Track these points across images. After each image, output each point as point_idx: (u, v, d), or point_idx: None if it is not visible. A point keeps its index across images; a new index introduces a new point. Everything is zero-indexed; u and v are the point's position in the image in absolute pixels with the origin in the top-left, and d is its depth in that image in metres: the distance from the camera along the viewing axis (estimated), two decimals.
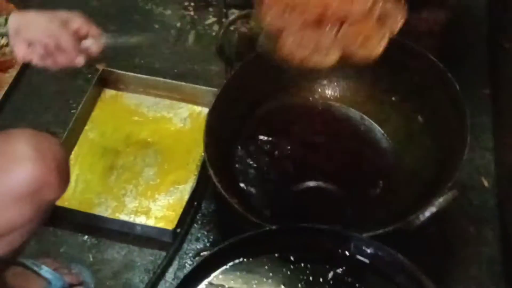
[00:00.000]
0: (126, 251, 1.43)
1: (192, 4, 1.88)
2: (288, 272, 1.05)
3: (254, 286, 1.05)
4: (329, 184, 1.36)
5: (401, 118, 1.41)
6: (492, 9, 1.78)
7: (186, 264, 1.41)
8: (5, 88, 1.66)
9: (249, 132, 1.42)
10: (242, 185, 1.35)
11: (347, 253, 1.06)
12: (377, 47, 1.07)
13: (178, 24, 1.85)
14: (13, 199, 0.96)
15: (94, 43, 1.12)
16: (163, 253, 1.41)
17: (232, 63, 1.51)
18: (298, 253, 1.06)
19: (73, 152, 1.54)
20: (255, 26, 1.22)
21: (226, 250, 1.06)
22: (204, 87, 1.62)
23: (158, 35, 1.24)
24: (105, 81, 1.66)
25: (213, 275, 1.05)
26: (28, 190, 0.96)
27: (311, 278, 1.05)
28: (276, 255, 1.07)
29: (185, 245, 1.43)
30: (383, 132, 1.43)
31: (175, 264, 1.40)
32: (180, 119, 1.62)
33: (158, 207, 1.47)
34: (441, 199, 1.12)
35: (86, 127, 1.60)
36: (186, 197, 1.46)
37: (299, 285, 1.05)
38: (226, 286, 1.05)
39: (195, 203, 1.46)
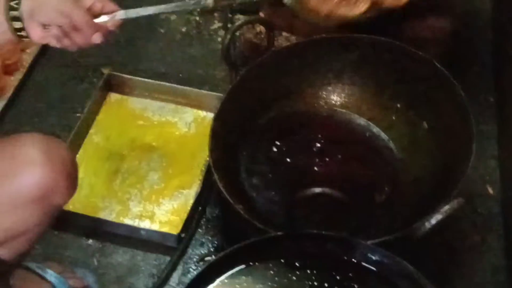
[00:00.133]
0: (130, 255, 1.43)
1: (198, 9, 1.89)
2: (293, 278, 1.05)
3: None
4: (334, 191, 1.35)
5: (406, 125, 1.41)
6: (497, 16, 1.78)
7: (191, 269, 1.41)
8: (11, 91, 1.66)
9: (254, 137, 1.42)
10: (247, 190, 1.35)
11: (352, 259, 1.06)
12: None
13: (184, 29, 1.85)
14: (22, 203, 0.97)
15: (109, 19, 1.10)
16: (168, 258, 1.41)
17: (237, 68, 1.51)
18: (303, 260, 1.06)
19: (77, 156, 1.54)
20: None
21: (230, 256, 1.05)
22: (209, 92, 1.63)
23: (178, 4, 1.16)
24: (111, 85, 1.67)
25: (217, 280, 1.05)
26: (36, 194, 0.96)
27: (316, 284, 1.04)
28: (281, 261, 1.06)
29: (189, 250, 1.43)
30: (388, 138, 1.42)
31: (179, 269, 1.40)
32: (185, 123, 1.62)
33: (163, 211, 1.47)
34: (446, 207, 1.12)
35: (91, 131, 1.60)
36: (190, 202, 1.46)
37: None
38: None
39: (200, 208, 1.47)
